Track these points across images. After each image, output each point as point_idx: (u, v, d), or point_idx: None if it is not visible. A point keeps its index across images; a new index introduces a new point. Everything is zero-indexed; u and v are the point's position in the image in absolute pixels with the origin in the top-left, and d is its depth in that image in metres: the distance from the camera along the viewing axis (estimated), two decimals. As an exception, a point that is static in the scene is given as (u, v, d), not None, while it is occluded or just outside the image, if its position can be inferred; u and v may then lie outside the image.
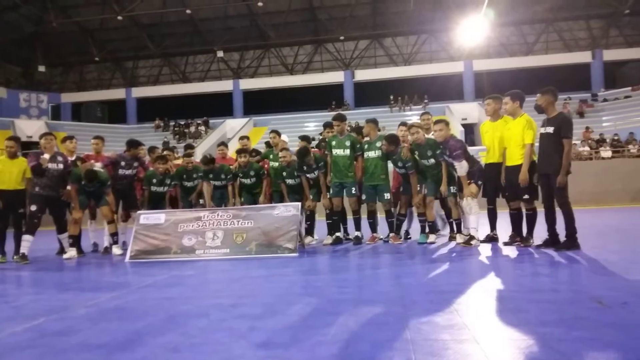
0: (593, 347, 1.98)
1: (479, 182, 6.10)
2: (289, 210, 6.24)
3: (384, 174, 6.82)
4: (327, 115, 30.50)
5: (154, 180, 7.29)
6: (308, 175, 7.06)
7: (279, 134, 7.61)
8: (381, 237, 7.12)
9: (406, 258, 5.16)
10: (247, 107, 33.73)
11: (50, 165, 6.54)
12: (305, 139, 7.94)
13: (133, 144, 7.36)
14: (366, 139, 6.95)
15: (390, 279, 3.82)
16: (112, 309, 3.22)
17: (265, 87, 33.80)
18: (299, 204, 6.42)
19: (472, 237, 6.03)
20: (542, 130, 5.33)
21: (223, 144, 8.44)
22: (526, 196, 5.52)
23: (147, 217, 6.46)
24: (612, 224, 8.85)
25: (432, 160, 6.38)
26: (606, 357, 1.86)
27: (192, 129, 30.11)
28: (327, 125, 7.80)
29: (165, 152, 8.24)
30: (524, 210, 5.73)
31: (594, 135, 21.75)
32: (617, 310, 2.58)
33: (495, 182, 5.89)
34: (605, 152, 20.12)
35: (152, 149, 8.06)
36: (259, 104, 33.44)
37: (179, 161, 8.13)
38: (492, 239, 6.25)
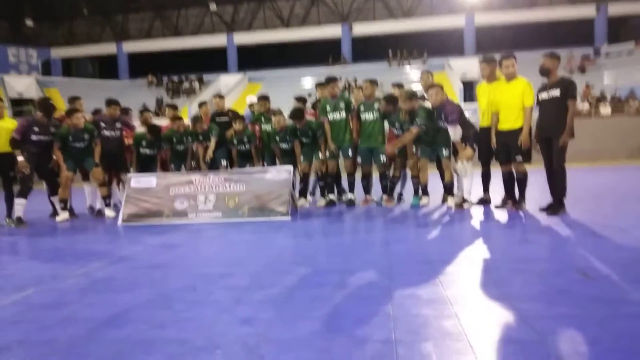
0: (572, 324, 1.99)
1: (474, 146, 6.05)
2: (281, 173, 6.19)
3: (381, 136, 6.74)
4: (324, 71, 29.90)
5: (144, 143, 7.22)
6: (303, 139, 6.98)
7: (268, 100, 7.46)
8: (374, 199, 7.13)
9: (397, 222, 5.17)
10: (242, 62, 33.04)
11: (38, 138, 6.44)
12: (300, 100, 7.83)
13: (108, 103, 7.25)
14: (362, 100, 6.82)
15: (379, 246, 3.83)
16: (100, 280, 3.23)
17: (260, 42, 32.99)
18: (291, 167, 6.37)
19: (464, 200, 6.04)
20: (545, 94, 5.21)
21: (204, 103, 8.24)
22: (519, 158, 5.46)
23: (138, 180, 6.41)
24: (608, 184, 8.88)
25: (424, 127, 6.30)
26: (583, 337, 1.87)
27: (186, 85, 29.60)
28: (321, 85, 7.64)
29: (144, 112, 8.05)
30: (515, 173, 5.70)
31: (595, 92, 21.46)
32: (601, 283, 2.60)
33: (490, 145, 5.83)
34: (605, 110, 19.94)
35: (125, 111, 7.85)
36: (254, 59, 32.72)
37: (164, 122, 7.96)
38: (484, 201, 6.27)
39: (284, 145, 7.18)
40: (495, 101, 5.68)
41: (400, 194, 7.28)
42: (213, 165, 7.34)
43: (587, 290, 2.47)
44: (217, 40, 33.38)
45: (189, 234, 5.10)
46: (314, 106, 7.92)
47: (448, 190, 6.46)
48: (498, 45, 29.58)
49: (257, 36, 33.30)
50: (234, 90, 27.85)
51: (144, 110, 7.87)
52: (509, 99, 5.50)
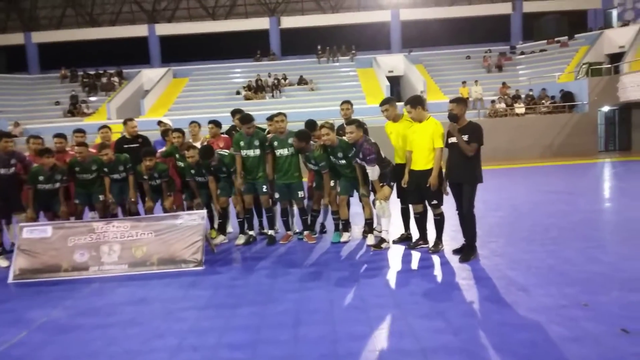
0: None
1: (392, 184, 6.03)
2: (194, 219, 5.82)
3: (297, 172, 6.55)
4: (254, 66, 29.24)
5: (41, 178, 6.49)
6: (219, 175, 6.65)
7: (183, 133, 6.98)
8: (297, 230, 6.97)
9: (311, 277, 4.97)
10: (165, 55, 31.49)
11: None
12: (215, 123, 7.42)
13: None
14: (272, 135, 6.58)
15: (286, 330, 3.61)
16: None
17: (184, 33, 31.51)
18: (204, 212, 6.02)
19: (382, 240, 6.01)
20: (453, 139, 5.22)
21: (106, 126, 7.54)
22: (435, 201, 5.51)
23: (31, 230, 5.77)
24: (520, 201, 9.27)
25: (343, 161, 6.20)
26: None
27: (104, 80, 27.65)
28: (237, 112, 7.29)
29: (32, 141, 7.24)
30: (430, 214, 5.73)
31: (511, 91, 22.56)
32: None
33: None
34: (520, 109, 21.02)
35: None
36: (179, 51, 31.26)
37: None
38: (406, 238, 6.28)
39: (200, 179, 6.79)
40: (409, 140, 5.67)
41: (323, 225, 7.15)
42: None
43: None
44: (137, 30, 31.50)
45: (84, 301, 4.63)
46: (228, 132, 7.57)
47: (368, 225, 6.42)
48: (422, 41, 30.38)
49: (180, 27, 31.80)
50: (158, 86, 26.45)
51: (33, 137, 7.09)
52: (420, 140, 5.50)
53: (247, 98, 24.20)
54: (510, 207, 8.39)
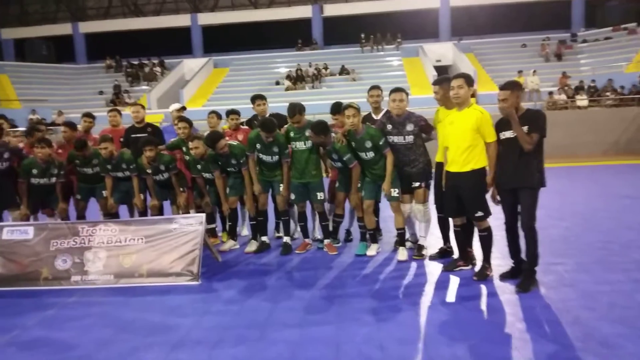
0: None
1: (429, 183, 4.99)
2: (190, 224, 4.93)
3: (315, 170, 5.54)
4: (295, 55, 28.32)
5: (34, 171, 5.81)
6: (228, 169, 5.76)
7: (190, 124, 6.10)
8: (318, 236, 5.99)
9: (321, 304, 3.96)
10: (207, 45, 31.11)
11: None
12: (236, 113, 6.54)
13: None
14: (289, 124, 5.58)
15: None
16: None
17: (226, 22, 31.00)
18: (203, 216, 5.09)
19: (422, 247, 4.96)
20: (509, 133, 4.05)
21: (115, 109, 6.85)
22: (479, 213, 4.34)
23: (11, 230, 5.07)
24: (586, 209, 7.84)
25: (372, 154, 5.10)
26: None
27: (147, 70, 27.60)
28: (258, 97, 6.40)
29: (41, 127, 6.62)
30: (476, 228, 4.56)
31: (572, 82, 20.48)
32: None
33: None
34: (582, 101, 18.99)
35: (31, 131, 6.47)
36: (220, 41, 30.82)
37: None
38: (445, 252, 5.15)
39: (207, 175, 5.92)
40: (445, 133, 4.54)
41: (348, 232, 6.11)
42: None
43: None
44: (180, 20, 31.33)
45: (43, 327, 3.84)
46: (249, 123, 6.65)
47: (399, 236, 5.32)
48: (473, 28, 28.42)
49: (223, 16, 31.30)
50: (198, 76, 26.10)
51: (35, 125, 6.45)
52: (458, 133, 4.34)
53: (286, 89, 23.36)
54: (576, 216, 7.01)
